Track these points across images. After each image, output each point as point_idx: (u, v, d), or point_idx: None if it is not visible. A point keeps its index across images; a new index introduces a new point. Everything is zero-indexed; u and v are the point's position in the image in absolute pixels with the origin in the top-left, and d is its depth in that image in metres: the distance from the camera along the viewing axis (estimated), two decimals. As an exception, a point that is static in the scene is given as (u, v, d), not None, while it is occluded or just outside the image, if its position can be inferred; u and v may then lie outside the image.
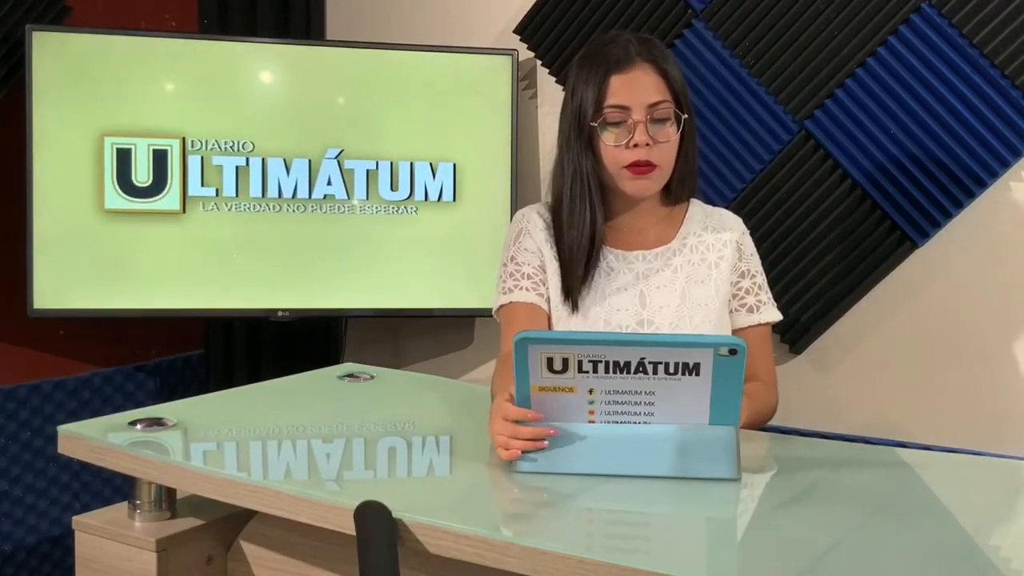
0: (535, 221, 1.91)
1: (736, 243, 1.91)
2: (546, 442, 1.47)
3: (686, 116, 1.81)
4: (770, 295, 1.94)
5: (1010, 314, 2.36)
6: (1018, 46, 2.28)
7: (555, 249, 1.88)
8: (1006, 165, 2.33)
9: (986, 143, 2.33)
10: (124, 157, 2.69)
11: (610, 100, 1.79)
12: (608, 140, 1.79)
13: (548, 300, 1.87)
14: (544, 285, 1.88)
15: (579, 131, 1.82)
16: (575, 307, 1.85)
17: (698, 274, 1.87)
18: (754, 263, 1.93)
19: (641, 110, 1.78)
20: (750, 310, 1.90)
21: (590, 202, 1.84)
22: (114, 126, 2.68)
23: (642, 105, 1.78)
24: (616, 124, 1.79)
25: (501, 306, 1.90)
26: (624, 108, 1.78)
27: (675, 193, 1.90)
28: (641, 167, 1.79)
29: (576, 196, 1.84)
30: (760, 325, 1.91)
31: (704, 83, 2.64)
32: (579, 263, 1.84)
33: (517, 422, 1.47)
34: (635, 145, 1.77)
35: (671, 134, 1.80)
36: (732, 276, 1.90)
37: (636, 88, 1.78)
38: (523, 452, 1.47)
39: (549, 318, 1.87)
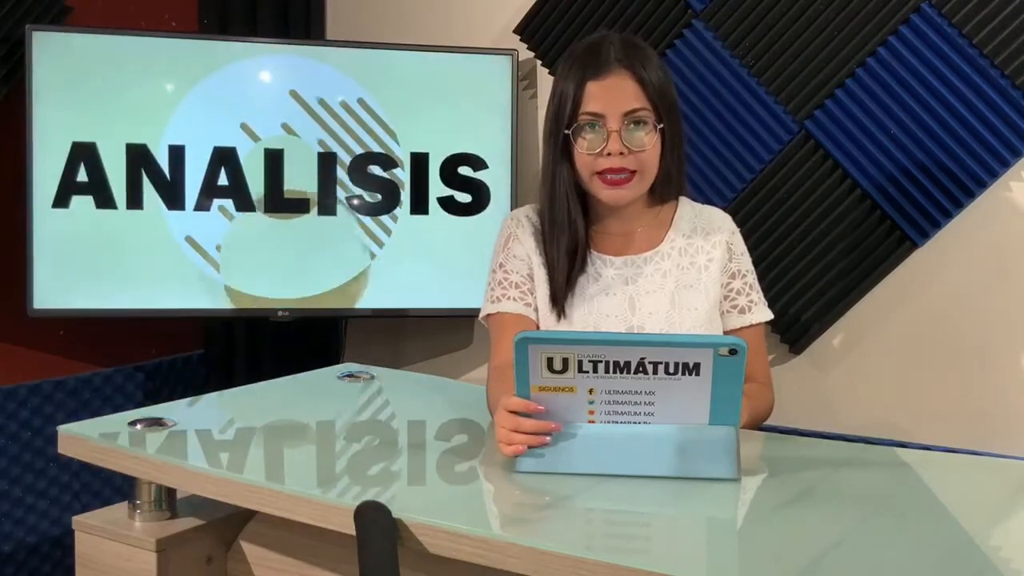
0: (524, 226, 1.90)
1: (726, 243, 1.89)
2: (548, 438, 1.47)
3: (662, 125, 1.78)
4: (761, 294, 1.92)
5: (1010, 314, 2.36)
6: (1018, 46, 2.28)
7: (543, 256, 1.87)
8: (1006, 165, 2.33)
9: (986, 143, 2.33)
10: (124, 156, 2.70)
11: (585, 107, 1.76)
12: (582, 147, 1.77)
13: (536, 309, 1.86)
14: (532, 294, 1.86)
15: (556, 136, 1.80)
16: (562, 314, 1.83)
17: (688, 278, 1.86)
18: (745, 263, 1.91)
19: (616, 118, 1.75)
20: (741, 311, 1.89)
21: (569, 208, 1.82)
22: (114, 126, 2.68)
23: (617, 113, 1.75)
24: (591, 131, 1.77)
25: (489, 315, 1.89)
26: (599, 116, 1.76)
27: (661, 194, 1.88)
28: (615, 176, 1.77)
29: (558, 202, 1.83)
30: (753, 326, 1.89)
31: (704, 83, 2.64)
32: (563, 270, 1.83)
33: (520, 415, 1.47)
34: (608, 154, 1.76)
35: (647, 142, 1.77)
36: (722, 277, 1.88)
37: (611, 95, 1.76)
38: (525, 448, 1.47)
39: (537, 327, 1.85)
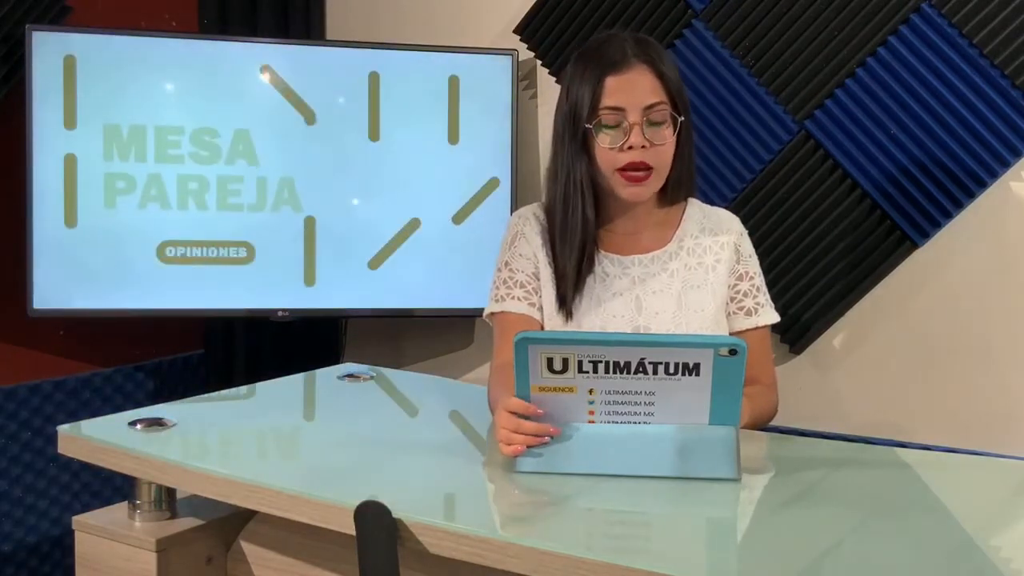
0: (532, 224, 1.89)
1: (734, 245, 1.89)
2: (548, 438, 1.47)
3: (683, 119, 1.79)
4: (768, 297, 1.91)
5: (1010, 314, 2.36)
6: (1018, 46, 2.28)
7: (550, 255, 1.86)
8: (1006, 165, 2.33)
9: (986, 143, 2.33)
10: (124, 156, 2.70)
11: (606, 102, 1.76)
12: (603, 142, 1.77)
13: (541, 309, 1.86)
14: (537, 294, 1.86)
15: (573, 132, 1.79)
16: (569, 315, 1.83)
17: (695, 278, 1.86)
18: (752, 265, 1.91)
19: (637, 112, 1.75)
20: (748, 313, 1.88)
21: (583, 207, 1.81)
22: (114, 126, 2.68)
23: (638, 107, 1.75)
24: (611, 126, 1.76)
25: (493, 313, 1.89)
26: (620, 110, 1.75)
27: (672, 194, 1.88)
28: (637, 171, 1.77)
29: (569, 200, 1.82)
30: (759, 328, 1.88)
31: (704, 83, 2.64)
32: (572, 270, 1.82)
33: (520, 417, 1.47)
34: (630, 148, 1.75)
35: (667, 136, 1.78)
36: (730, 279, 1.87)
37: (632, 89, 1.76)
38: (525, 448, 1.47)
39: (542, 326, 1.85)
